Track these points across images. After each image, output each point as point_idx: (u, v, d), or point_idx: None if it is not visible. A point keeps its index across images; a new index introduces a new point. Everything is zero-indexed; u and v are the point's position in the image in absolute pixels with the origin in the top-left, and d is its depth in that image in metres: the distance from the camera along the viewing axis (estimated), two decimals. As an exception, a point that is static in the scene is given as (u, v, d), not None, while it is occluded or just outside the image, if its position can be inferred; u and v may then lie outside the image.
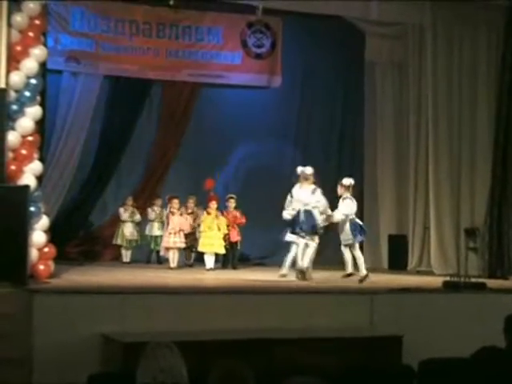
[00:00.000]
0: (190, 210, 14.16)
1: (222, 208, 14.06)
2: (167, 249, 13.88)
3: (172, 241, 13.70)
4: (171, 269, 13.39)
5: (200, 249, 13.76)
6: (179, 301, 8.87)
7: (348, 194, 11.96)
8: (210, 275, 12.81)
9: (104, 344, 8.17)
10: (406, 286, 10.55)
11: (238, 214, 13.99)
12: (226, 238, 13.82)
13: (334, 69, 16.67)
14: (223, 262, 14.12)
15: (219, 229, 13.61)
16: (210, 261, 13.44)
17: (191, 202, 14.27)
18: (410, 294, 10.03)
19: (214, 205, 13.72)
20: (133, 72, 15.47)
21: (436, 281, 11.19)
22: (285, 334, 8.64)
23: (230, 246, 13.93)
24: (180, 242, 13.76)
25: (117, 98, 15.67)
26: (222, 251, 13.69)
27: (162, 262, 14.56)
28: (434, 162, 14.30)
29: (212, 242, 13.52)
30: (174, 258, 13.69)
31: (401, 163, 15.37)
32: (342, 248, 11.93)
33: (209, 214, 13.63)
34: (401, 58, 15.38)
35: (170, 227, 13.71)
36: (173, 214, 13.79)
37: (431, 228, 14.35)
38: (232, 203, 13.98)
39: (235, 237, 13.94)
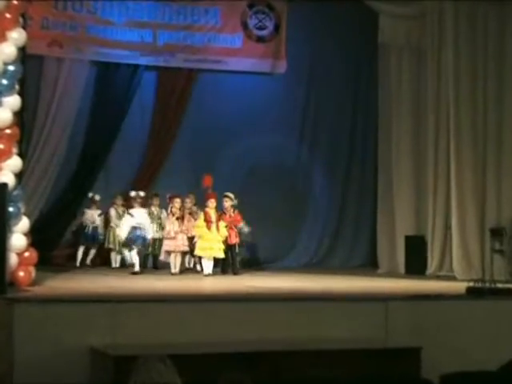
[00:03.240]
0: (188, 210, 14.12)
1: (220, 207, 13.99)
2: (168, 252, 13.82)
3: (174, 244, 13.63)
4: (173, 274, 13.36)
5: (197, 253, 13.70)
6: (175, 310, 8.85)
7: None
8: (210, 281, 12.79)
9: (92, 358, 8.15)
10: (425, 292, 10.52)
11: (233, 213, 13.85)
12: (224, 240, 13.71)
13: (344, 53, 16.65)
14: (223, 266, 14.04)
15: (218, 230, 13.56)
16: (208, 266, 13.39)
17: (188, 202, 14.24)
18: (429, 301, 10.00)
19: (212, 203, 13.65)
20: (122, 57, 15.47)
21: (458, 286, 11.15)
22: (291, 345, 8.61)
23: (229, 249, 13.81)
24: (183, 245, 13.70)
25: (105, 87, 15.65)
26: (221, 255, 13.63)
27: (158, 267, 14.58)
28: (455, 154, 14.24)
29: (211, 246, 13.44)
30: (176, 262, 13.64)
31: (419, 156, 15.32)
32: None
33: (207, 213, 13.57)
34: (418, 40, 15.33)
35: (172, 229, 13.62)
36: (174, 214, 13.72)
37: (453, 228, 14.29)
38: (227, 202, 13.85)
39: (233, 239, 13.83)
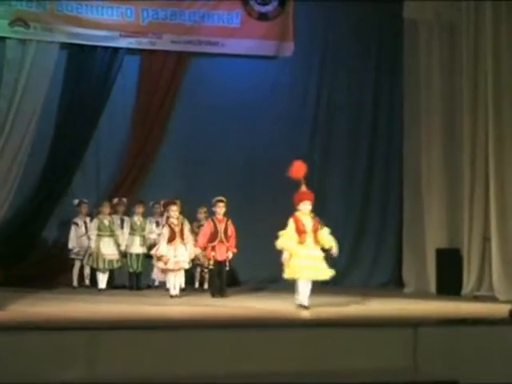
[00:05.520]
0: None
1: (211, 214, 13.96)
2: (166, 271, 13.74)
3: (173, 261, 13.53)
4: (173, 297, 13.29)
5: (290, 275, 11.79)
6: (165, 338, 8.85)
7: None
8: (205, 306, 12.77)
9: (67, 396, 8.18)
10: (461, 315, 10.54)
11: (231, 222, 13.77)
12: (211, 255, 13.64)
13: (363, 31, 16.70)
14: (212, 288, 13.97)
15: (318, 242, 11.80)
16: (305, 291, 11.84)
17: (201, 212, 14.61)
18: (465, 326, 10.01)
19: (306, 206, 11.96)
20: (99, 39, 15.52)
21: (500, 309, 11.16)
22: (303, 379, 8.64)
23: (218, 266, 13.71)
24: (183, 261, 13.59)
25: (79, 73, 15.71)
26: (327, 277, 11.94)
27: (142, 287, 14.73)
28: (495, 152, 14.24)
29: (312, 265, 11.74)
30: (175, 282, 13.56)
31: (452, 155, 15.33)
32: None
33: (299, 221, 11.82)
34: (451, 16, 15.36)
35: (164, 246, 13.53)
36: (171, 224, 13.62)
37: (492, 240, 14.31)
38: (221, 208, 13.72)
39: (223, 254, 13.72)
